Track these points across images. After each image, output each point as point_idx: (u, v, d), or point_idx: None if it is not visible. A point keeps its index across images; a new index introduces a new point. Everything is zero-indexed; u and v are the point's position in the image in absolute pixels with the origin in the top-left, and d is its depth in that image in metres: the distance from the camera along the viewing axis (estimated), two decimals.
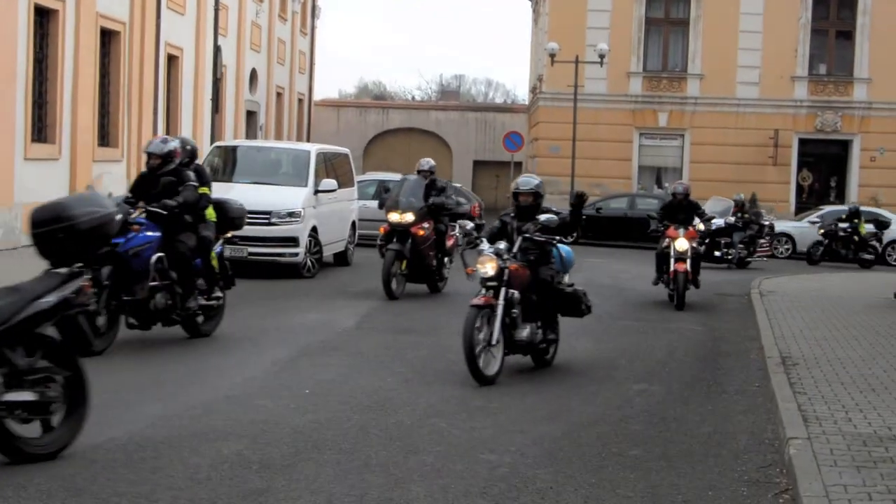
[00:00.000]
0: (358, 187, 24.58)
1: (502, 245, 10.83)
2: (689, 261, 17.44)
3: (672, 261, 17.48)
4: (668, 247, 17.72)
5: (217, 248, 12.76)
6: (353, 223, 22.94)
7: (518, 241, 11.01)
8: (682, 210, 18.29)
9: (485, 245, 10.90)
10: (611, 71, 39.47)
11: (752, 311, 16.96)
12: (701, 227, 18.77)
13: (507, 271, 10.58)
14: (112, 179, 24.57)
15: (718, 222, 23.49)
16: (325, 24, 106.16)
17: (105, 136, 25.95)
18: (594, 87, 39.65)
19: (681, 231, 17.67)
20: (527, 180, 11.74)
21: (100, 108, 25.31)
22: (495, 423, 8.76)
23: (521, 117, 52.20)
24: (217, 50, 28.35)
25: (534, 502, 6.61)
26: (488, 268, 10.55)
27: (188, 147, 12.79)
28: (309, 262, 19.69)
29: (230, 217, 13.22)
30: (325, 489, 6.68)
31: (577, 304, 11.54)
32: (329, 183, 20.37)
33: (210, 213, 12.59)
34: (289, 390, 9.68)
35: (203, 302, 12.24)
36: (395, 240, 16.93)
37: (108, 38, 25.73)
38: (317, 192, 20.06)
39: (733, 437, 8.66)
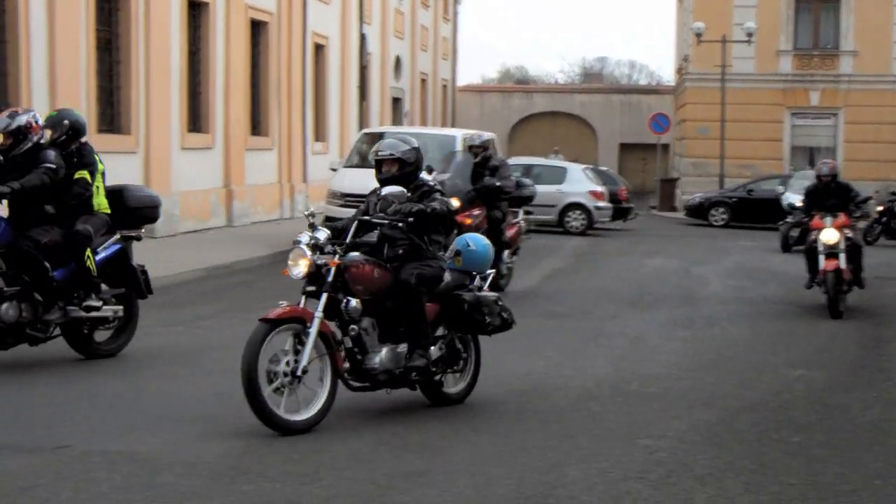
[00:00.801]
0: None
1: (323, 235, 7.99)
2: (843, 256, 14.32)
3: (821, 258, 14.39)
4: (815, 241, 14.62)
5: (110, 247, 10.24)
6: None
7: (352, 227, 8.39)
8: (830, 194, 14.97)
9: (304, 236, 7.90)
10: (759, 49, 38.67)
11: None
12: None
13: (331, 270, 7.80)
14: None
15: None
16: (467, 9, 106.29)
17: (256, 124, 26.53)
18: (742, 66, 38.90)
19: (828, 220, 14.49)
20: (391, 143, 8.68)
21: (251, 97, 25.88)
22: (650, 408, 8.70)
23: (667, 99, 51.53)
24: (362, 38, 28.71)
25: (694, 488, 6.55)
26: (300, 266, 7.78)
27: (66, 121, 9.87)
28: None
29: (130, 208, 10.51)
30: (484, 471, 6.74)
31: (476, 316, 8.41)
32: None
33: (101, 202, 10.05)
34: None
35: (80, 313, 9.71)
36: None
37: (257, 28, 26.28)
38: None
39: None
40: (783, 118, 39.60)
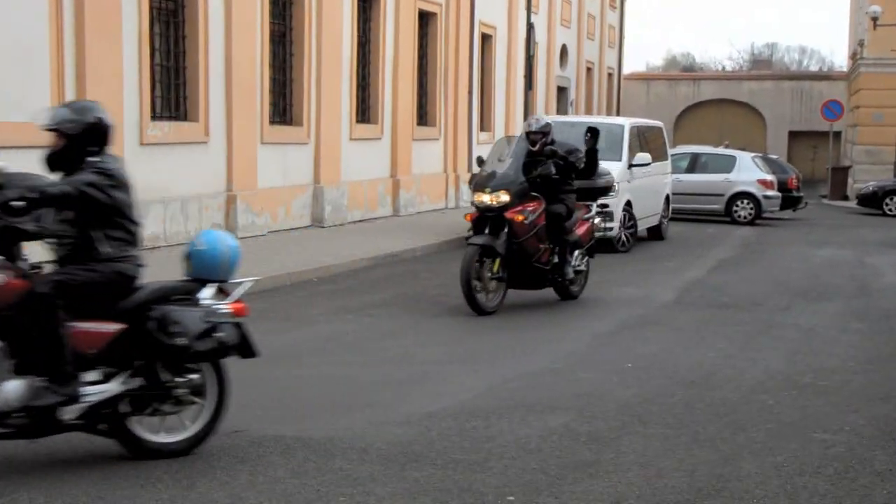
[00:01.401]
0: (671, 160, 24.24)
1: None
2: None
3: None
4: None
5: None
6: (667, 197, 22.67)
7: None
8: None
9: None
10: None
11: None
12: None
13: None
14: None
15: None
16: None
17: (423, 115, 26.74)
18: None
19: None
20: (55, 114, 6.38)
21: (417, 87, 26.09)
22: (826, 401, 8.45)
23: (839, 85, 50.02)
24: (530, 27, 28.59)
25: (873, 484, 6.33)
26: None
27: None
28: (623, 237, 19.63)
29: None
30: (654, 463, 6.64)
31: (161, 336, 6.28)
32: (643, 157, 20.20)
33: None
34: (610, 364, 9.69)
35: None
36: (486, 230, 12.46)
37: (425, 19, 26.47)
38: (631, 166, 19.94)
39: None
40: None
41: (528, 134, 13.08)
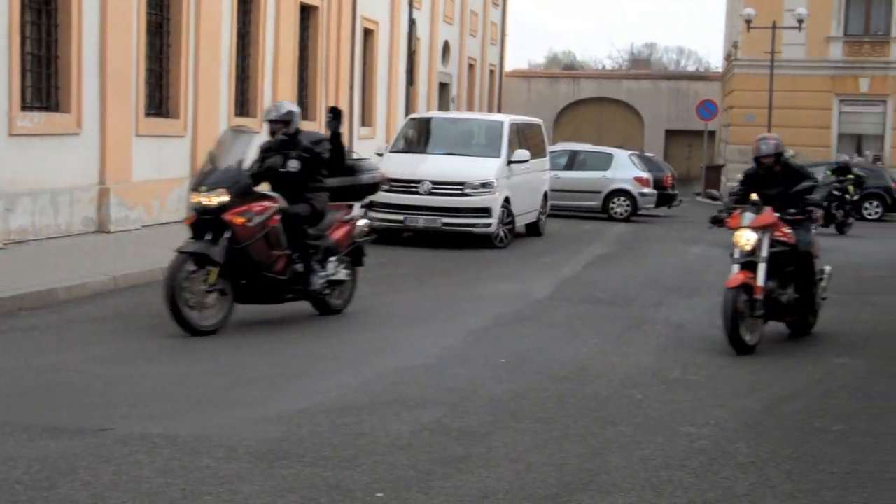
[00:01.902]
0: (550, 157, 24.49)
1: None
2: (762, 267, 10.41)
3: (734, 268, 10.46)
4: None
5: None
6: (546, 193, 22.90)
7: None
8: (773, 181, 11.06)
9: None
10: (809, 36, 38.23)
11: None
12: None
13: None
14: None
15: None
16: None
17: (304, 109, 26.51)
18: (792, 52, 38.47)
19: (746, 217, 10.52)
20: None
21: (298, 81, 25.90)
22: (694, 396, 8.61)
23: (714, 85, 51.10)
24: (412, 23, 28.63)
25: (735, 476, 6.47)
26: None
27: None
28: (501, 233, 19.76)
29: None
30: (524, 458, 6.68)
31: None
32: (522, 153, 20.37)
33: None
34: (485, 360, 9.73)
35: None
36: (206, 236, 10.44)
37: (307, 13, 26.29)
38: (510, 162, 20.09)
39: None
40: (832, 105, 39.17)
41: (268, 123, 11.45)
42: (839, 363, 10.19)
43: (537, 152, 22.10)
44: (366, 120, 30.98)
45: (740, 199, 11.19)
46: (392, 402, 7.93)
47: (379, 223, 19.42)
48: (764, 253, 10.49)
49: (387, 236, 19.61)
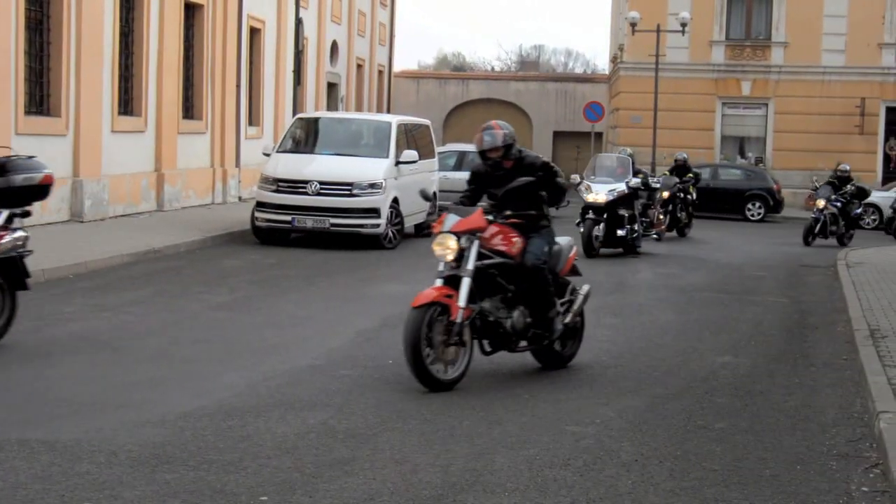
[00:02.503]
0: (438, 158, 24.55)
1: None
2: (466, 283, 8.67)
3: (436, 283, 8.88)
4: None
5: None
6: (434, 194, 22.92)
7: None
8: (503, 179, 9.33)
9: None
10: (693, 40, 38.96)
11: (838, 283, 16.67)
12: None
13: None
14: None
15: (619, 186, 20.38)
16: None
17: (189, 108, 26.22)
18: (676, 56, 39.18)
19: (449, 220, 8.90)
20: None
21: (184, 81, 25.56)
22: (579, 395, 8.71)
23: (601, 87, 51.76)
24: (299, 22, 28.42)
25: (619, 475, 6.56)
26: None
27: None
28: (390, 233, 19.76)
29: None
30: (410, 459, 6.69)
31: None
32: (410, 154, 20.39)
33: None
34: (373, 360, 9.71)
35: None
36: None
37: (191, 11, 25.95)
38: (398, 163, 20.09)
39: (821, 410, 8.51)
40: (715, 108, 39.99)
41: None
42: (722, 362, 10.40)
43: (426, 153, 22.15)
44: (253, 120, 30.70)
45: (470, 202, 9.41)
46: (278, 405, 7.87)
47: (266, 224, 19.35)
48: (469, 265, 8.62)
49: (275, 237, 19.49)
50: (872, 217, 32.71)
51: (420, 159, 20.93)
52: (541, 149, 48.44)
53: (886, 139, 39.29)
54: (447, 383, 8.56)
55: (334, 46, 39.91)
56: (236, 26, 28.19)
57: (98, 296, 12.92)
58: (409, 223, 21.20)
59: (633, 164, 21.28)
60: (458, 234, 8.74)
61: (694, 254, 21.52)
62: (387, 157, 19.99)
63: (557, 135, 54.12)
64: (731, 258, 20.66)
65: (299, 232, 19.50)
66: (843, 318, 13.21)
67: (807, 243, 24.47)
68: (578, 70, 77.80)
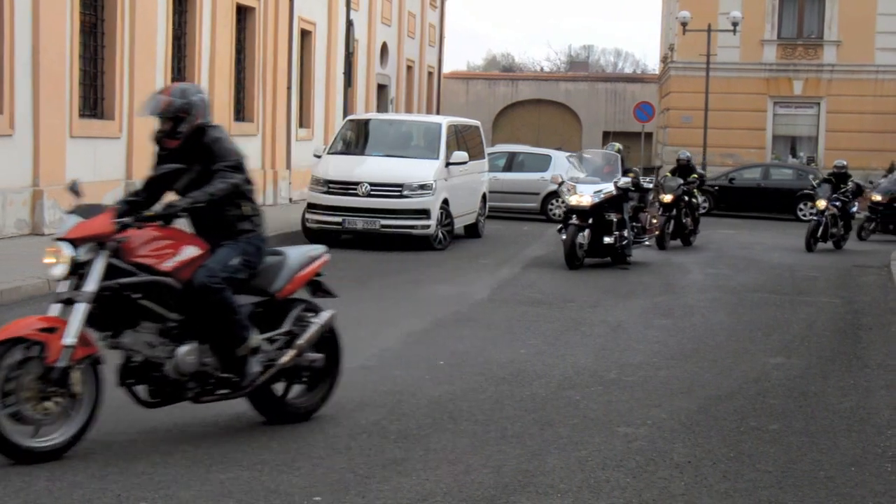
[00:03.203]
0: (488, 159, 24.55)
1: None
2: (80, 311, 6.47)
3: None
4: None
5: None
6: (484, 195, 22.93)
7: None
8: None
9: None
10: (744, 39, 38.69)
11: (892, 283, 16.49)
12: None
13: None
14: None
15: (606, 187, 17.91)
16: None
17: (241, 110, 26.40)
18: (727, 55, 38.93)
19: (67, 222, 6.93)
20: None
21: (235, 83, 25.74)
22: (630, 396, 8.68)
23: (651, 87, 51.52)
24: (349, 24, 28.52)
25: (671, 476, 6.53)
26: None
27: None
28: (440, 235, 19.77)
29: None
30: (463, 459, 6.70)
31: None
32: (460, 155, 20.40)
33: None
34: (424, 361, 9.73)
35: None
36: None
37: (243, 14, 26.13)
38: (448, 164, 20.11)
39: (876, 412, 8.43)
40: (766, 107, 39.68)
41: None
42: (774, 363, 10.32)
43: (476, 154, 22.14)
44: (303, 121, 30.86)
45: (144, 198, 7.22)
46: (330, 405, 7.89)
47: (317, 225, 19.44)
48: (88, 286, 6.43)
49: (326, 238, 19.54)
50: None
51: (470, 160, 20.92)
52: (591, 148, 48.26)
53: None
54: (37, 453, 6.23)
55: (384, 48, 40.03)
56: (287, 28, 28.35)
57: None
58: (460, 224, 21.21)
59: (622, 161, 18.97)
60: (74, 242, 6.50)
61: (745, 254, 21.28)
62: (437, 158, 20.01)
63: (607, 135, 53.93)
64: (784, 259, 20.44)
65: (350, 233, 19.57)
66: None
67: (809, 249, 22.06)
68: (628, 70, 77.51)
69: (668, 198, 21.98)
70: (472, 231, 22.37)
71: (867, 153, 37.69)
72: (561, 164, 29.03)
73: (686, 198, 22.52)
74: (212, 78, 23.90)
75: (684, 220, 22.43)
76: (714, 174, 36.09)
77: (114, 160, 20.01)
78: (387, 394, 8.39)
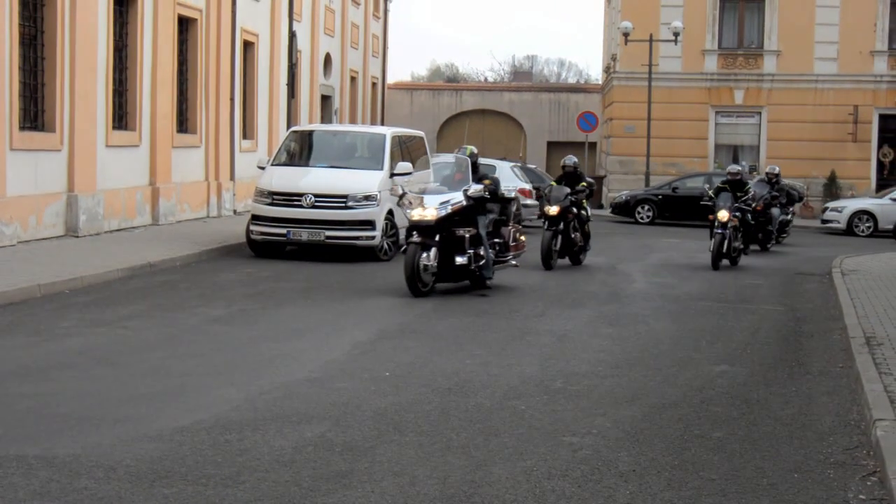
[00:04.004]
0: (433, 170, 24.51)
1: None
2: None
3: None
4: None
5: None
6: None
7: None
8: None
9: None
10: (686, 49, 39.13)
11: (833, 290, 16.70)
12: None
13: None
14: None
15: (455, 197, 15.48)
16: (398, 7, 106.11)
17: (184, 122, 26.23)
18: (669, 65, 39.31)
19: None
20: None
21: (178, 94, 25.58)
22: (576, 405, 8.71)
23: (594, 97, 51.84)
24: (292, 35, 28.44)
25: (616, 485, 6.56)
26: None
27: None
28: (386, 245, 19.75)
29: None
30: (408, 471, 6.69)
31: None
32: (404, 166, 20.35)
33: None
34: (369, 373, 9.71)
35: None
36: None
37: (185, 25, 25.98)
38: (392, 175, 20.07)
39: (818, 418, 8.53)
40: (708, 116, 40.09)
41: None
42: (718, 371, 10.41)
43: (420, 165, 22.12)
44: (247, 133, 30.73)
45: None
46: (275, 418, 7.87)
47: (262, 237, 19.34)
48: None
49: (270, 250, 19.49)
50: (867, 224, 32.77)
51: (415, 171, 20.90)
52: (535, 158, 48.54)
53: (880, 146, 39.40)
54: None
55: (328, 59, 39.96)
56: (230, 39, 28.23)
57: (94, 310, 12.91)
58: (405, 235, 21.15)
59: (476, 166, 16.59)
60: None
61: (688, 262, 21.43)
62: (381, 169, 20.00)
63: (552, 145, 54.18)
64: (728, 268, 20.60)
65: (295, 245, 19.49)
66: (838, 326, 13.24)
67: (716, 267, 19.85)
68: (571, 80, 77.92)
69: (553, 210, 19.34)
70: None
71: (807, 161, 38.26)
72: (506, 174, 29.17)
73: (574, 209, 19.73)
74: (154, 89, 23.73)
75: (573, 236, 19.68)
76: (657, 183, 36.42)
77: (55, 172, 19.79)
78: (332, 406, 8.36)
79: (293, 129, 23.19)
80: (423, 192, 15.53)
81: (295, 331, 12.02)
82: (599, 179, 41.84)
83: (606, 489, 6.48)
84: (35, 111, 19.59)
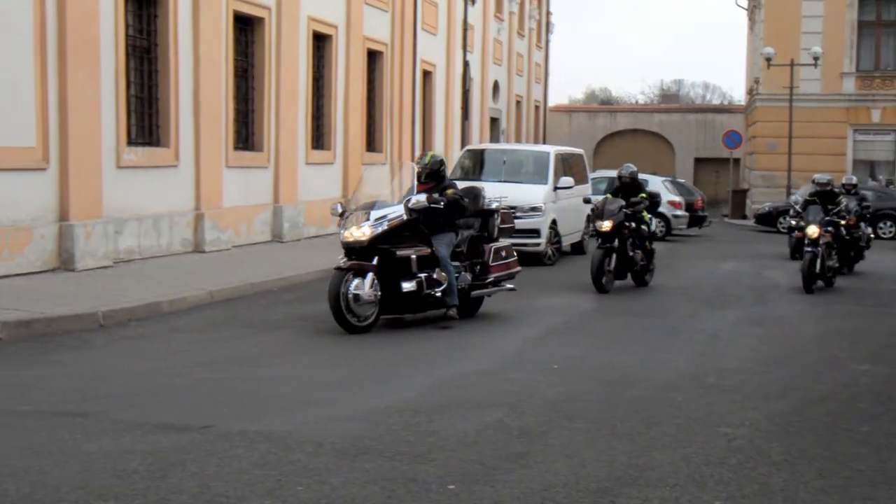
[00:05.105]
0: (591, 184, 24.40)
1: None
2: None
3: None
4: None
5: None
6: (588, 216, 22.77)
7: None
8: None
9: None
10: (824, 72, 37.86)
11: None
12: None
13: None
14: None
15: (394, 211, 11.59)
16: (558, 37, 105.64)
17: (371, 142, 26.70)
18: (808, 87, 38.11)
19: None
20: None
21: (367, 118, 26.05)
22: (729, 399, 8.53)
23: (738, 117, 50.68)
24: (466, 65, 28.72)
25: (770, 473, 6.40)
26: None
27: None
28: (550, 251, 19.73)
29: None
30: (579, 454, 6.66)
31: None
32: (566, 180, 20.33)
33: None
34: (538, 365, 9.70)
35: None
36: None
37: (373, 57, 26.45)
38: (556, 188, 20.07)
39: None
40: (846, 134, 38.73)
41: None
42: (862, 370, 10.04)
43: (580, 179, 22.04)
44: (426, 151, 31.08)
45: None
46: (458, 404, 7.93)
47: None
48: None
49: None
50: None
51: (575, 185, 20.84)
52: (683, 174, 47.75)
53: None
54: None
55: (496, 85, 40.13)
56: (411, 69, 28.62)
57: (298, 306, 13.24)
58: (566, 242, 21.14)
59: (442, 176, 12.47)
60: None
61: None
62: (546, 183, 19.98)
63: (698, 161, 53.28)
64: (865, 275, 19.88)
65: None
66: None
67: (809, 290, 16.01)
68: (715, 102, 76.32)
69: (606, 225, 15.72)
70: (578, 248, 22.26)
71: None
72: (657, 187, 28.79)
73: (631, 224, 16.23)
74: (346, 114, 24.23)
75: (631, 254, 16.15)
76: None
77: (262, 187, 20.40)
78: (507, 394, 8.38)
79: (467, 147, 23.35)
80: (372, 206, 11.58)
81: (470, 327, 12.06)
82: (743, 193, 40.89)
83: (761, 476, 6.32)
84: (247, 133, 20.23)
